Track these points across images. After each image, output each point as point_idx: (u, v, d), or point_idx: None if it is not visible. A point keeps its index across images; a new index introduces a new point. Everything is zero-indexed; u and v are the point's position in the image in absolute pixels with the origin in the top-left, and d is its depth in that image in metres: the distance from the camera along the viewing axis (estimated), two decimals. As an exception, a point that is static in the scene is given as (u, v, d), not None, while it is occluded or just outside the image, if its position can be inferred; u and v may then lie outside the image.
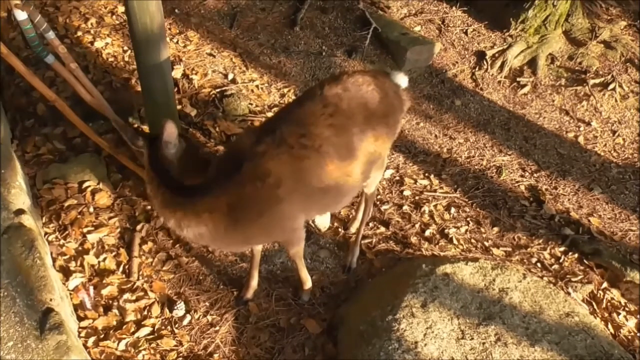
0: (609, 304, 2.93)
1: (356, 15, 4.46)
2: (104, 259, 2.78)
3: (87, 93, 2.45)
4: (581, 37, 4.58)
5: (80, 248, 2.79)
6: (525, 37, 4.47)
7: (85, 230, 2.86)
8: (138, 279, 2.73)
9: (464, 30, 4.56)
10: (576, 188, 3.62)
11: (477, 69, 4.36)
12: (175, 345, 2.51)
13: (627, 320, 2.87)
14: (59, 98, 2.69)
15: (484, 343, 2.31)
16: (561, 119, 4.11)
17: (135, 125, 3.31)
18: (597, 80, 4.33)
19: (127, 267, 2.77)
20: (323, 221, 3.09)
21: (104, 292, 2.64)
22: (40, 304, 2.13)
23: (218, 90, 3.72)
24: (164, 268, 2.81)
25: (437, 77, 4.28)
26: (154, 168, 2.11)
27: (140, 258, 2.81)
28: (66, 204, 2.92)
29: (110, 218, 2.95)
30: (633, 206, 3.54)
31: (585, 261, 3.13)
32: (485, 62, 4.37)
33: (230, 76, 3.88)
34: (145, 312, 2.61)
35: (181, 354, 2.49)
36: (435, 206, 3.34)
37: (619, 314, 2.89)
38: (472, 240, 3.18)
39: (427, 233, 3.15)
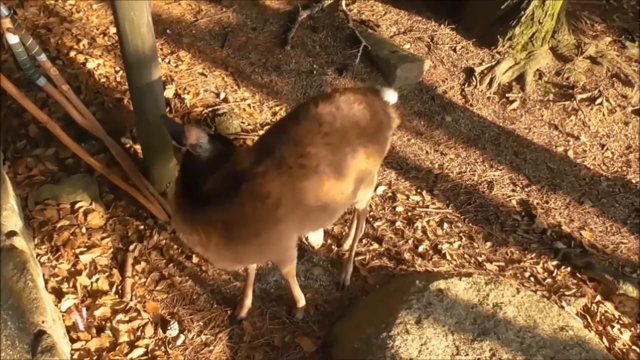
0: (603, 317, 2.95)
1: (346, 34, 4.52)
2: (97, 280, 2.76)
3: (79, 114, 2.47)
4: (567, 53, 4.66)
5: (72, 269, 2.78)
6: (513, 54, 4.54)
7: (77, 251, 2.84)
8: (131, 300, 2.71)
9: (453, 48, 4.63)
10: (567, 202, 3.65)
11: (466, 85, 4.41)
12: (169, 367, 2.49)
13: (621, 333, 2.88)
14: (50, 120, 2.69)
15: (479, 359, 2.31)
16: (550, 134, 4.16)
17: (128, 146, 3.32)
18: (584, 95, 4.40)
19: (120, 287, 2.75)
20: (316, 238, 3.10)
21: (97, 313, 2.62)
22: (32, 327, 2.11)
23: (210, 109, 3.74)
24: (157, 288, 2.79)
25: (427, 93, 4.32)
26: (181, 168, 2.19)
27: (133, 278, 2.79)
28: (58, 225, 2.91)
29: (102, 238, 2.94)
30: (623, 219, 3.57)
31: (578, 274, 3.15)
32: (474, 79, 4.42)
33: (222, 95, 3.91)
34: (139, 333, 2.59)
35: (175, 375, 2.46)
36: (427, 222, 3.35)
37: (613, 327, 2.90)
38: (465, 256, 3.19)
39: (421, 249, 3.16)
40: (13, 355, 2.01)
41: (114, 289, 2.74)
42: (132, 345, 2.53)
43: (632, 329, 2.91)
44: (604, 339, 2.81)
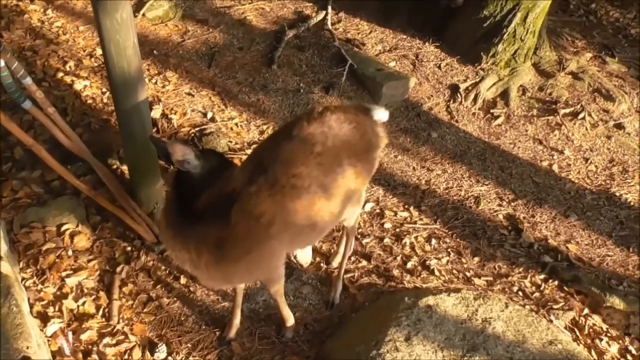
0: (591, 330, 2.96)
1: (332, 52, 4.57)
2: (83, 303, 2.73)
3: (65, 137, 2.46)
4: (550, 69, 4.74)
5: (58, 293, 2.74)
6: (496, 70, 4.62)
7: (63, 274, 2.81)
8: (118, 322, 2.68)
9: (438, 65, 4.69)
10: (553, 215, 3.69)
11: (451, 101, 4.47)
12: (157, 390, 2.45)
13: (609, 345, 2.89)
14: (36, 143, 2.68)
15: (468, 375, 2.31)
16: (535, 148, 4.22)
17: (115, 167, 3.31)
18: (567, 110, 4.47)
19: (106, 310, 2.72)
20: (305, 257, 3.09)
21: (83, 337, 2.58)
22: (16, 353, 2.07)
23: (197, 129, 3.75)
24: (145, 310, 2.77)
25: (413, 110, 4.37)
26: (172, 185, 2.19)
27: (120, 300, 2.77)
28: (44, 248, 2.88)
29: (89, 261, 2.91)
30: (609, 232, 3.61)
31: (565, 288, 3.17)
32: (459, 95, 4.48)
33: (210, 115, 3.92)
34: (126, 356, 2.56)
35: (163, 399, 2.43)
36: (416, 238, 3.36)
37: (601, 339, 2.92)
38: (454, 271, 3.20)
39: (409, 265, 3.17)
40: (-3, 382, 1.98)
41: (100, 312, 2.71)
42: (119, 369, 2.50)
43: (620, 341, 2.93)
44: (593, 352, 2.82)
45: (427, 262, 3.20)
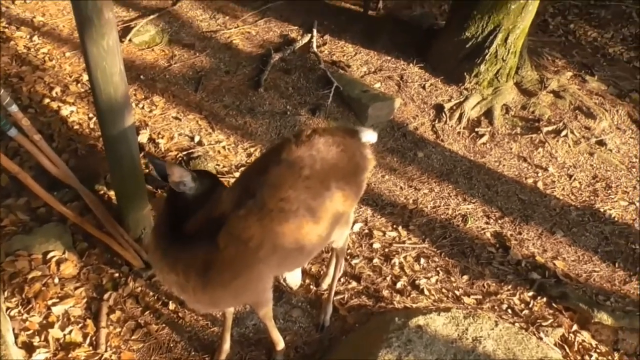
0: (580, 346, 2.98)
1: (318, 75, 4.62)
2: (70, 332, 2.69)
3: (51, 164, 2.45)
4: (531, 87, 4.84)
5: (44, 322, 2.70)
6: (480, 90, 4.70)
7: (50, 302, 2.77)
8: (106, 351, 2.64)
9: (422, 85, 4.77)
10: (539, 232, 3.72)
11: (436, 121, 4.53)
12: (146, 419, 2.41)
13: (599, 361, 2.91)
14: (22, 170, 2.67)
15: (460, 395, 2.30)
16: (520, 166, 4.27)
17: (102, 192, 3.30)
18: (550, 128, 4.55)
19: (94, 338, 2.68)
20: (294, 279, 3.09)
21: (70, 367, 2.55)
22: (1, 385, 2.04)
23: (185, 152, 3.76)
24: (133, 337, 2.73)
25: (399, 130, 4.42)
26: (164, 206, 2.19)
27: (108, 328, 2.73)
28: (30, 276, 2.84)
29: (76, 288, 2.88)
30: (594, 247, 3.66)
31: (554, 304, 3.19)
32: (444, 115, 4.55)
33: (197, 138, 3.93)
34: (114, 386, 2.52)
35: None
36: (405, 257, 3.38)
37: (591, 356, 2.93)
38: (443, 290, 3.21)
39: (399, 285, 3.17)
40: (-19, 416, 1.93)
41: (88, 340, 2.67)
42: (107, 399, 2.46)
43: (609, 357, 2.95)
44: (583, 369, 2.83)
45: (417, 282, 3.21)
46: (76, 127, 3.77)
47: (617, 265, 3.55)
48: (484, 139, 4.46)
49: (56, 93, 4.02)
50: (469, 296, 3.19)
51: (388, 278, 3.21)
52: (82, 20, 2.28)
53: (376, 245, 3.43)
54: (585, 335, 3.04)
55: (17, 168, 2.64)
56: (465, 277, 3.32)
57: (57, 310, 2.75)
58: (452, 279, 3.30)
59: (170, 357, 2.68)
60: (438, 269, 3.35)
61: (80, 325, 2.73)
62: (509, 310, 3.13)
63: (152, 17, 5.01)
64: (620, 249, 3.67)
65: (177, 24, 5.06)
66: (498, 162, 4.29)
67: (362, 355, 2.49)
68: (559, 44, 5.60)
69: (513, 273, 3.39)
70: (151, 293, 2.93)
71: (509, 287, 3.28)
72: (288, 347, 2.74)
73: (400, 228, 3.60)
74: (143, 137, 3.77)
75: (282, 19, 5.34)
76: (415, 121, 4.51)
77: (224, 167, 3.76)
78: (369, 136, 2.46)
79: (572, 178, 4.21)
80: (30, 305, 2.74)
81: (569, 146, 4.45)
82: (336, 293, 3.04)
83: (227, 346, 2.67)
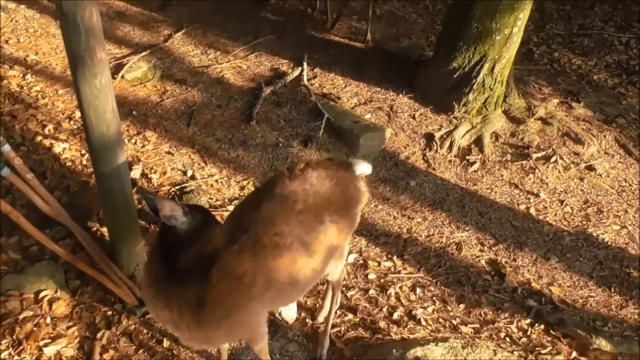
0: (580, 373, 2.95)
1: (309, 107, 4.68)
2: (62, 373, 2.63)
3: (43, 202, 2.44)
4: (519, 115, 4.91)
5: (35, 363, 2.65)
6: (469, 118, 4.76)
7: (41, 343, 2.72)
8: (99, 392, 2.58)
9: (412, 115, 4.83)
10: (534, 258, 3.73)
11: (427, 150, 4.57)
12: None
13: (599, 389, 2.88)
14: (14, 210, 2.65)
15: None
16: (511, 193, 4.31)
17: (95, 229, 3.28)
18: (539, 154, 4.61)
19: (86, 379, 2.63)
20: (290, 313, 3.05)
21: (62, 410, 2.48)
22: None
23: (178, 187, 3.76)
24: (127, 377, 2.68)
25: (390, 160, 4.46)
26: (156, 241, 2.16)
27: (100, 368, 2.68)
28: (21, 317, 2.79)
29: (68, 328, 2.83)
30: (589, 272, 3.66)
31: (551, 331, 3.17)
32: (434, 143, 4.59)
33: (190, 173, 3.94)
34: None
35: None
36: (400, 287, 3.36)
37: (591, 383, 2.90)
38: (440, 320, 3.18)
39: (395, 316, 3.15)
40: None
41: (80, 382, 2.62)
42: None
43: (610, 383, 2.92)
44: (584, 397, 2.80)
45: (413, 312, 3.19)
46: (69, 164, 3.77)
47: (612, 290, 3.55)
48: (475, 167, 4.50)
49: (49, 130, 4.03)
50: (466, 325, 3.16)
51: (384, 309, 3.19)
52: (74, 59, 2.31)
53: (371, 276, 3.41)
54: (584, 362, 3.02)
55: (9, 207, 2.62)
56: (462, 306, 3.30)
57: (49, 351, 2.70)
58: (449, 308, 3.28)
59: (165, 396, 2.62)
60: (434, 298, 3.33)
61: (72, 366, 2.68)
62: (507, 339, 3.10)
63: (144, 53, 5.09)
64: (615, 274, 3.67)
65: (169, 59, 5.13)
66: (490, 189, 4.32)
67: (361, 390, 2.45)
68: (544, 72, 5.73)
69: (509, 300, 3.37)
70: (145, 330, 2.88)
71: (506, 315, 3.26)
72: (285, 383, 2.69)
73: (395, 258, 3.60)
74: (136, 173, 3.78)
75: (272, 53, 5.43)
76: (407, 150, 4.55)
77: (216, 200, 3.76)
78: (363, 168, 2.47)
79: (564, 203, 4.24)
80: (22, 347, 2.69)
81: (559, 172, 4.50)
82: (333, 326, 3.00)
83: (223, 383, 2.62)
